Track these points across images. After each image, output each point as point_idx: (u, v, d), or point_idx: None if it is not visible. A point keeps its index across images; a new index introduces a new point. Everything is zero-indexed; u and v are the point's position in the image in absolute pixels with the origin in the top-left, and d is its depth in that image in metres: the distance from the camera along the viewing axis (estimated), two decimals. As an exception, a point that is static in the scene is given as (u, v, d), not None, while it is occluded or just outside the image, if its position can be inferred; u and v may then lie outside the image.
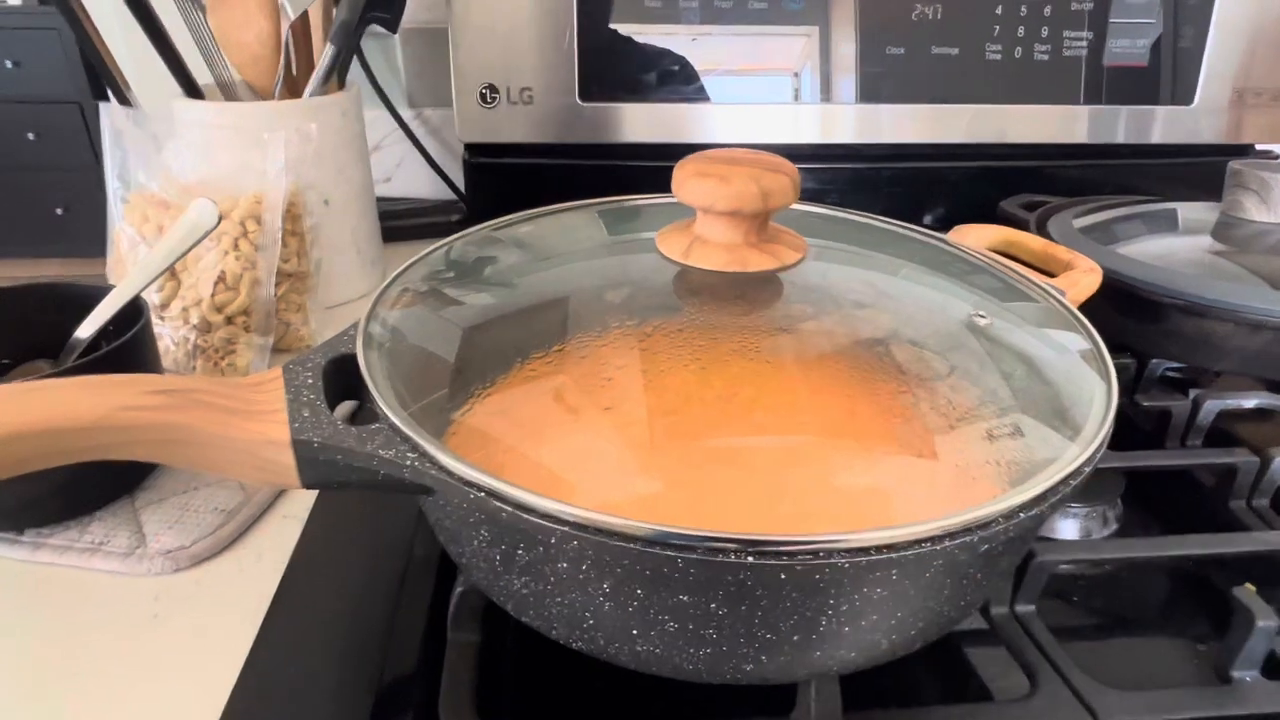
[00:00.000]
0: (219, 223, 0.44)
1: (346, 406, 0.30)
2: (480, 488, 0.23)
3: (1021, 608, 0.33)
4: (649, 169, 0.64)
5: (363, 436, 0.25)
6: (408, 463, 0.25)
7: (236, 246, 0.49)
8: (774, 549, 0.22)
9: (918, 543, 0.22)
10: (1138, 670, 0.33)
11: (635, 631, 0.25)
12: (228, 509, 0.39)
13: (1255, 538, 0.37)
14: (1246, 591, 0.31)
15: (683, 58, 0.62)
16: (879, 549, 0.22)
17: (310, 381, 0.27)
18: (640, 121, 0.63)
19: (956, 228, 0.44)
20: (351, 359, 0.29)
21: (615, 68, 0.62)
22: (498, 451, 0.26)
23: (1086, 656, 0.32)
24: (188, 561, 0.36)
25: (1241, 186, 0.52)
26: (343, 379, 0.29)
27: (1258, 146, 0.70)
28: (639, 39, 0.62)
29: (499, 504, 0.23)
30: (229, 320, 0.48)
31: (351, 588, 0.34)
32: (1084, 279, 0.40)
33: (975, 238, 0.43)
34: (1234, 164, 0.53)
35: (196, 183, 0.50)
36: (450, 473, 0.24)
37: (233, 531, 0.38)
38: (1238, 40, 0.65)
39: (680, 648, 0.25)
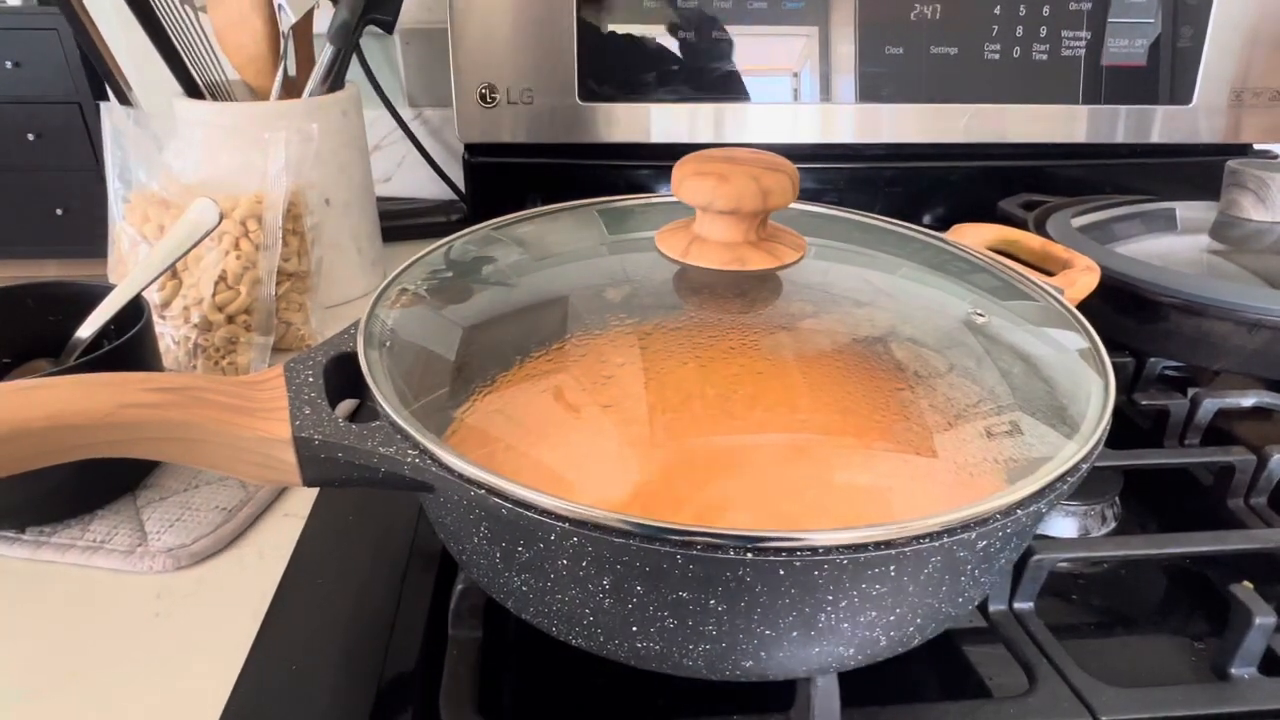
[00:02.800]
0: (220, 222, 0.44)
1: (347, 405, 0.30)
2: (480, 485, 0.23)
3: (1020, 605, 0.34)
4: (649, 169, 0.64)
5: (363, 434, 0.25)
6: (408, 460, 0.25)
7: (237, 246, 0.49)
8: (773, 545, 0.22)
9: (916, 539, 0.22)
10: (1136, 667, 0.33)
11: (635, 628, 0.25)
12: (229, 507, 0.39)
13: (1253, 535, 0.37)
14: (1244, 589, 0.32)
15: (682, 58, 0.62)
16: (877, 545, 0.22)
17: (311, 379, 0.27)
18: (640, 121, 0.63)
19: (955, 227, 0.45)
20: (352, 357, 0.29)
21: (615, 68, 0.62)
22: (498, 449, 0.26)
23: (1085, 654, 0.32)
24: (189, 560, 0.36)
25: (1239, 186, 0.53)
26: (343, 377, 0.29)
27: (1256, 146, 0.71)
28: (638, 39, 0.62)
29: (499, 501, 0.23)
30: (230, 319, 0.48)
31: (352, 585, 0.35)
32: (1082, 278, 0.40)
33: (974, 237, 0.44)
34: (1232, 163, 0.53)
35: (197, 182, 0.50)
36: (450, 470, 0.24)
37: (234, 530, 0.38)
38: (1236, 40, 0.65)
39: (680, 644, 0.25)
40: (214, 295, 0.48)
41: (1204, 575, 0.38)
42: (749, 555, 0.22)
